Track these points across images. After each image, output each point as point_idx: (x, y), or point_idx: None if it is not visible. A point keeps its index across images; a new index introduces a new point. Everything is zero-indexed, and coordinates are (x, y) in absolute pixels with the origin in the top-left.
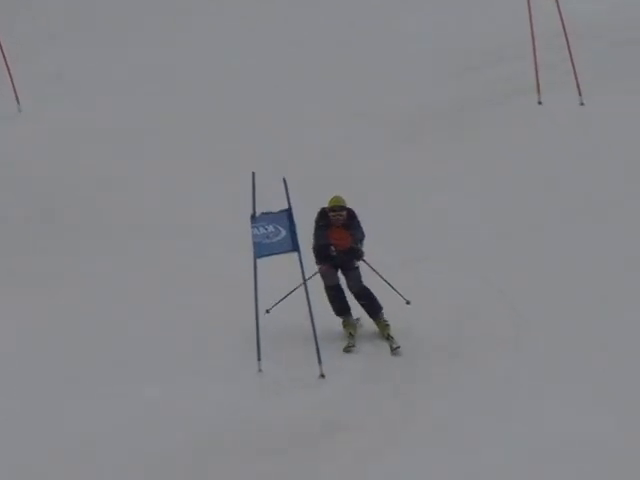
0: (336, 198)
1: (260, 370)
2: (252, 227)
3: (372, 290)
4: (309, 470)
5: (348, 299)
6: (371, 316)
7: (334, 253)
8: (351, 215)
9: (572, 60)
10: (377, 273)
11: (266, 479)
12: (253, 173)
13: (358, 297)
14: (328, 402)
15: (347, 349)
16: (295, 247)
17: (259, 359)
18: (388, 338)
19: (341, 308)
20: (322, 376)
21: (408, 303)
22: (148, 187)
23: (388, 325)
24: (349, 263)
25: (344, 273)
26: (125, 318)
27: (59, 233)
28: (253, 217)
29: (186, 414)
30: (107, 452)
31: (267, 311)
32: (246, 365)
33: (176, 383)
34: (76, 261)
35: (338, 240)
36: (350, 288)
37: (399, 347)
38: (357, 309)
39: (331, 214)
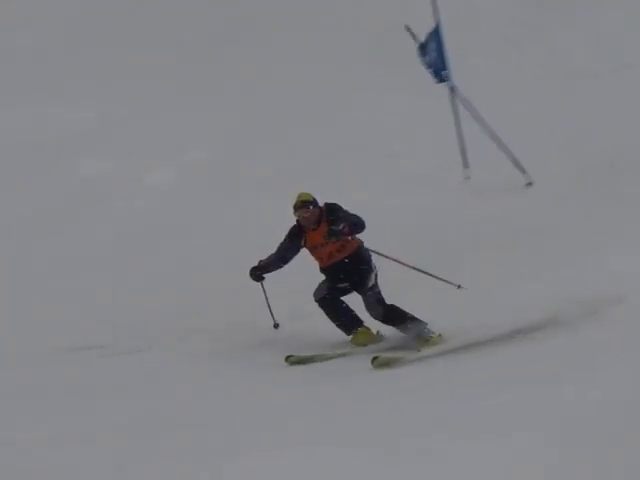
0: (299, 194)
1: None
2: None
3: (400, 305)
4: None
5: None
6: (414, 339)
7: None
8: (330, 209)
9: None
10: (405, 264)
11: None
12: None
13: (386, 322)
14: None
15: (375, 363)
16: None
17: None
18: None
19: (347, 323)
20: None
21: (459, 287)
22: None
23: (431, 338)
24: (359, 280)
25: (360, 294)
26: None
27: None
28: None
29: None
30: None
31: (276, 325)
32: None
33: None
34: None
35: (322, 250)
36: (373, 316)
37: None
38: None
39: (295, 215)
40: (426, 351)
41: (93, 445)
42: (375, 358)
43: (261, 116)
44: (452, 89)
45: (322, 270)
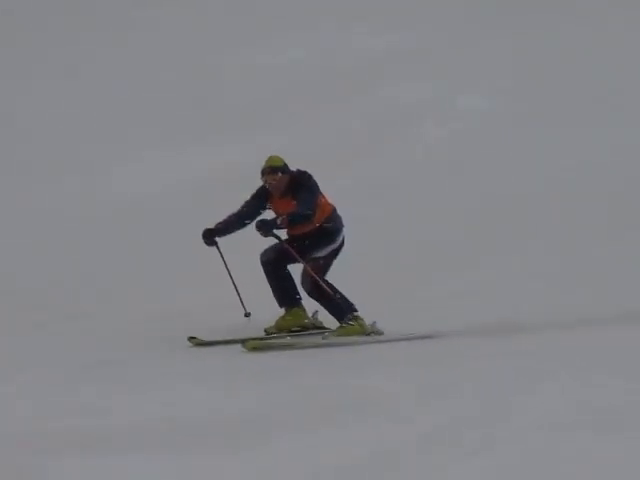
0: (268, 158)
1: None
2: None
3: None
4: None
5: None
6: (338, 321)
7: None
8: (297, 181)
9: None
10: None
11: None
12: None
13: (311, 296)
14: None
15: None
16: None
17: None
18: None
19: (280, 295)
20: None
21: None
22: None
23: (348, 326)
24: (309, 244)
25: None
26: None
27: None
28: None
29: None
30: None
31: (247, 315)
32: None
33: None
34: None
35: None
36: (304, 289)
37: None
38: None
39: (262, 180)
40: (329, 338)
41: None
42: (247, 340)
43: None
44: None
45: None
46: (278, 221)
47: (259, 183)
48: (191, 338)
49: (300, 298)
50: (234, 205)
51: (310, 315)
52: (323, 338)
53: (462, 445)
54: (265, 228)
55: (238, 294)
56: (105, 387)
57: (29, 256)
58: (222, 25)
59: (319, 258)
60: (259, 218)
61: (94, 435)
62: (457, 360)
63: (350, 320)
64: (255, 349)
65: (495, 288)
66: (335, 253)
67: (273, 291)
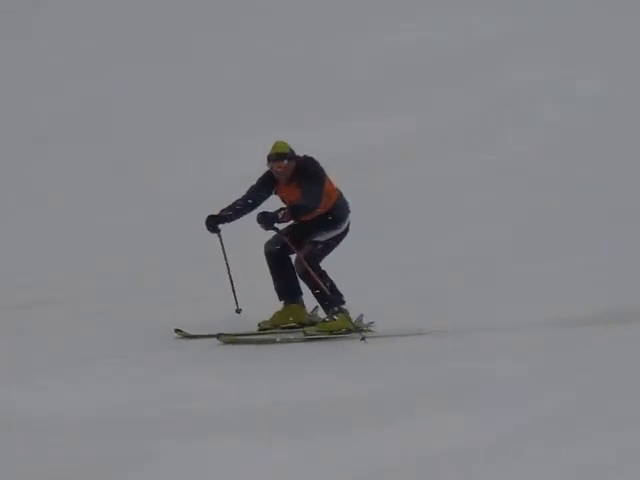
0: (274, 144)
1: None
2: None
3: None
4: None
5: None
6: (325, 311)
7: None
8: (303, 168)
9: None
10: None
11: None
12: None
13: (302, 278)
14: None
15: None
16: None
17: None
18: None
19: (281, 288)
20: None
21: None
22: None
23: (331, 321)
24: (310, 226)
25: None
26: None
27: None
28: None
29: None
30: None
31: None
32: None
33: None
34: None
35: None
36: (296, 270)
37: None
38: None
39: (268, 166)
40: (310, 332)
41: None
42: (221, 334)
43: None
44: None
45: None
46: (279, 215)
47: (381, 164)
48: (177, 330)
49: (301, 294)
50: (359, 189)
51: (310, 311)
52: (305, 333)
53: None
54: (266, 221)
55: (233, 288)
56: (214, 372)
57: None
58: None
59: (318, 242)
60: (260, 210)
61: (211, 419)
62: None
63: (335, 314)
64: (230, 342)
65: None
66: (337, 239)
67: (274, 283)
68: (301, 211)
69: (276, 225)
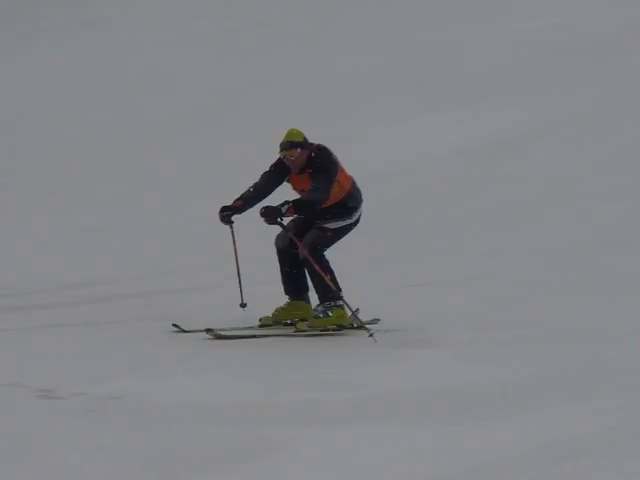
0: (288, 132)
1: None
2: None
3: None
4: None
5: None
6: (320, 302)
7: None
8: (314, 159)
9: None
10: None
11: None
12: None
13: (304, 265)
14: None
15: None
16: None
17: None
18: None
19: (290, 284)
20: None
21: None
22: None
23: (325, 317)
24: (320, 214)
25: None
26: None
27: None
28: None
29: None
30: None
31: (243, 305)
32: None
33: None
34: None
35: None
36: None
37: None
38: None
39: (280, 154)
40: (303, 327)
41: None
42: (210, 330)
43: None
44: None
45: None
46: (283, 209)
47: (498, 154)
48: (174, 325)
49: (308, 290)
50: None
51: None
52: (296, 329)
53: None
54: (270, 216)
55: (239, 282)
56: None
57: None
58: None
59: (327, 229)
60: (264, 204)
61: (333, 407)
62: None
63: (329, 310)
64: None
65: None
66: (347, 229)
67: (282, 277)
68: (306, 207)
69: (279, 220)
